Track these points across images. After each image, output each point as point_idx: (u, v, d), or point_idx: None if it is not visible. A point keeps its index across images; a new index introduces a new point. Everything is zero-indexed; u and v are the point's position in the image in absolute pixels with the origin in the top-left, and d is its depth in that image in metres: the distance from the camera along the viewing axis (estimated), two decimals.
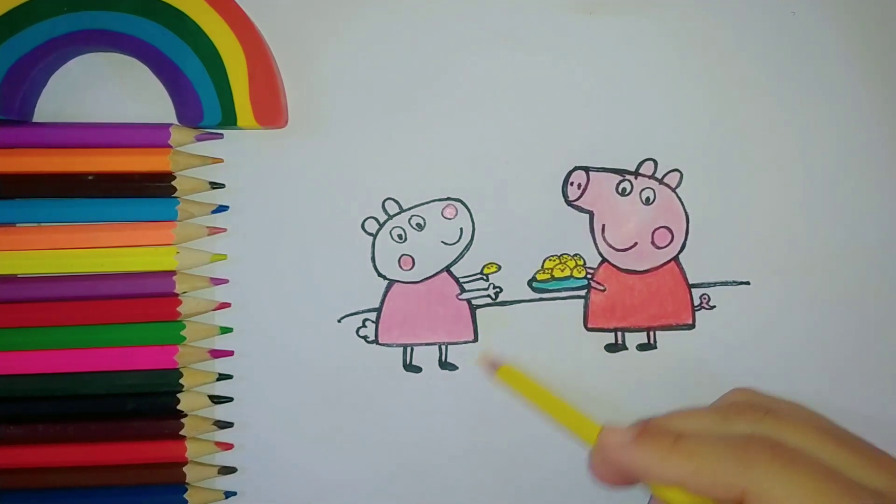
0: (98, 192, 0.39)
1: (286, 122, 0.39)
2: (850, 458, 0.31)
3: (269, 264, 0.40)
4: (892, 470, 0.32)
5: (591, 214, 0.40)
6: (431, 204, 0.40)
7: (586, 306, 0.40)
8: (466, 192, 0.40)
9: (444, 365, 0.40)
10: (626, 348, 0.40)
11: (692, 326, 0.40)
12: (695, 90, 0.40)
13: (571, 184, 0.40)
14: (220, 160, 0.40)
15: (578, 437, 0.35)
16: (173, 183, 0.38)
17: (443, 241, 0.40)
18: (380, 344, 0.40)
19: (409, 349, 0.40)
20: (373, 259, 0.40)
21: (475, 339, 0.40)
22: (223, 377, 0.40)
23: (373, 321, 0.40)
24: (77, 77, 0.40)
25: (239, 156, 0.40)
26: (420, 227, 0.40)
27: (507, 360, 0.38)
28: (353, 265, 0.40)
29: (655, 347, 0.40)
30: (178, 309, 0.38)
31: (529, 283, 0.40)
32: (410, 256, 0.40)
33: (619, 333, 0.40)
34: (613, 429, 0.34)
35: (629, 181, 0.40)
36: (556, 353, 0.40)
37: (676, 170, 0.40)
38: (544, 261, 0.40)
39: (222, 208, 0.40)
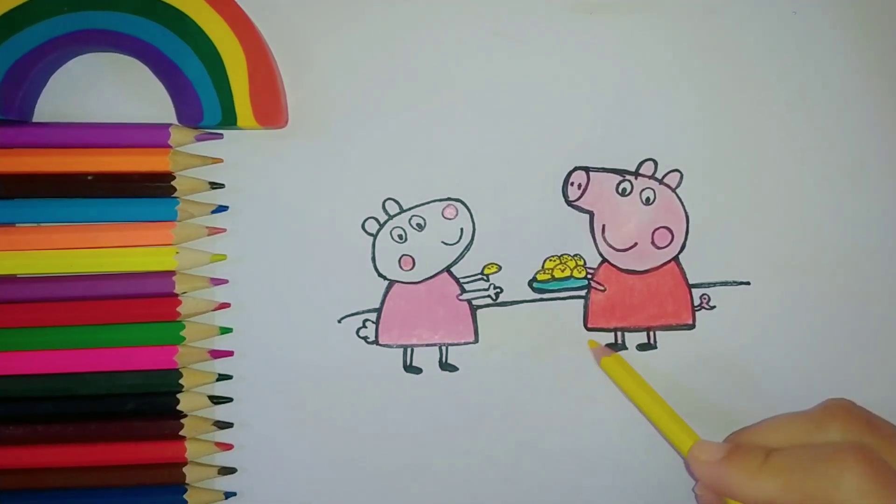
0: (98, 192, 0.39)
1: (286, 122, 0.39)
2: None
3: (269, 264, 0.40)
4: None
5: (592, 214, 0.40)
6: (432, 204, 0.40)
7: (586, 306, 0.40)
8: (467, 192, 0.40)
9: (445, 366, 0.40)
10: (626, 348, 0.40)
11: (692, 326, 0.40)
12: (695, 90, 0.40)
13: (572, 184, 0.40)
14: (220, 160, 0.40)
15: (673, 445, 0.35)
16: (173, 183, 0.38)
17: (443, 242, 0.40)
18: (380, 345, 0.40)
19: (409, 350, 0.40)
20: (373, 259, 0.40)
21: (475, 340, 0.40)
22: (223, 377, 0.40)
23: (373, 321, 0.40)
24: (77, 77, 0.40)
25: (239, 156, 0.40)
26: (420, 227, 0.40)
27: (615, 352, 0.39)
28: (354, 265, 0.40)
29: (655, 347, 0.40)
30: (177, 309, 0.38)
31: (530, 283, 0.40)
32: (411, 257, 0.40)
33: (620, 333, 0.40)
34: (705, 444, 0.34)
35: (629, 181, 0.40)
36: (557, 353, 0.40)
37: (676, 170, 0.40)
38: (545, 261, 0.40)
39: (222, 208, 0.40)
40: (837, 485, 0.30)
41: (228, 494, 0.40)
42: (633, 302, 0.40)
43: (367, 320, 0.40)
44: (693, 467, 0.34)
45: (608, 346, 0.40)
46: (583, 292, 0.40)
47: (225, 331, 0.40)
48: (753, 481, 0.31)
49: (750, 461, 0.32)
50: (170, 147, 0.39)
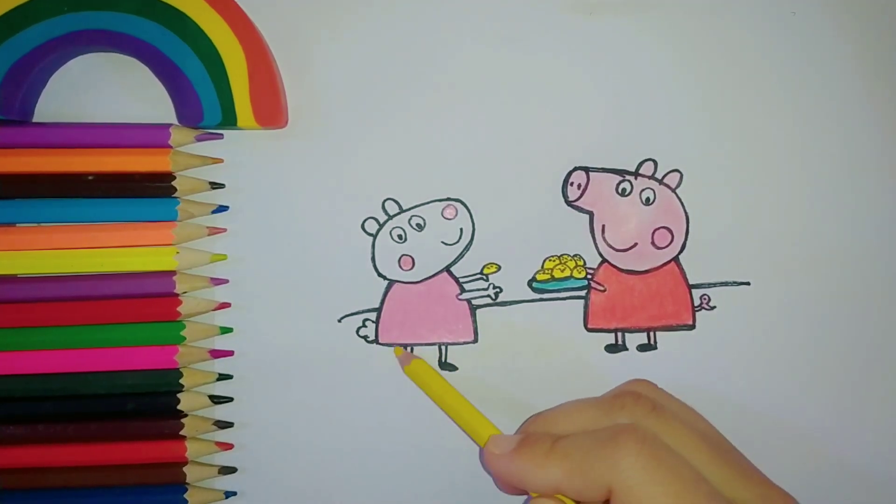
0: (98, 192, 0.39)
1: (286, 122, 0.39)
2: (722, 468, 0.31)
3: (269, 264, 0.40)
4: (760, 488, 0.31)
5: (591, 215, 0.40)
6: (431, 204, 0.40)
7: (586, 307, 0.40)
8: (466, 192, 0.40)
9: (444, 365, 0.40)
10: (627, 349, 0.40)
11: (692, 327, 0.40)
12: (695, 90, 0.40)
13: (571, 184, 0.40)
14: (220, 160, 0.40)
15: (474, 440, 0.36)
16: (173, 183, 0.38)
17: (443, 242, 0.40)
18: (380, 344, 0.40)
19: (408, 349, 0.40)
20: (373, 259, 0.40)
21: (475, 340, 0.40)
22: (223, 377, 0.40)
23: (373, 321, 0.40)
24: (77, 77, 0.40)
25: (239, 156, 0.40)
26: (420, 227, 0.40)
27: (418, 357, 0.39)
28: (353, 265, 0.40)
29: (655, 348, 0.40)
30: (178, 309, 0.38)
31: (529, 283, 0.40)
32: (410, 256, 0.40)
33: (620, 334, 0.40)
34: (497, 438, 0.34)
35: (629, 181, 0.40)
36: (557, 353, 0.40)
37: (676, 170, 0.40)
38: (544, 261, 0.40)
39: (222, 208, 0.40)
40: (614, 466, 0.30)
41: (228, 494, 0.40)
42: (633, 302, 0.40)
43: (367, 320, 0.40)
44: (487, 461, 0.34)
45: (607, 347, 0.40)
46: (583, 292, 0.40)
47: (225, 331, 0.40)
48: (541, 469, 0.32)
49: (537, 450, 0.32)
50: (170, 147, 0.39)
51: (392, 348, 0.40)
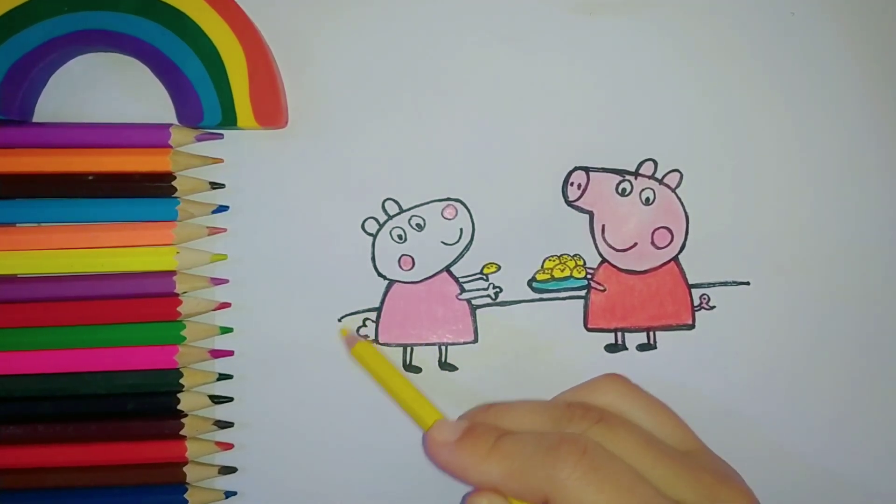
0: (98, 192, 0.39)
1: (286, 122, 0.40)
2: (668, 471, 0.31)
3: (269, 264, 0.40)
4: (709, 489, 0.31)
5: (591, 215, 0.40)
6: (431, 204, 0.40)
7: (586, 306, 0.40)
8: (466, 192, 0.40)
9: (444, 365, 0.40)
10: (626, 348, 0.40)
11: (692, 327, 0.40)
12: (694, 90, 0.40)
13: (571, 184, 0.40)
14: (220, 160, 0.40)
15: (419, 425, 0.35)
16: (173, 183, 0.38)
17: (443, 242, 0.40)
18: (380, 344, 0.40)
19: (408, 349, 0.40)
20: (373, 259, 0.40)
21: (475, 340, 0.40)
22: (223, 377, 0.40)
23: (373, 321, 0.40)
24: (77, 77, 0.40)
25: (239, 156, 0.40)
26: (420, 227, 0.40)
27: (365, 339, 0.38)
28: (353, 265, 0.40)
29: (655, 348, 0.40)
30: (178, 309, 0.38)
31: (529, 283, 0.40)
32: (410, 256, 0.40)
33: (619, 334, 0.40)
34: (443, 424, 0.33)
35: (629, 181, 0.40)
36: (557, 353, 0.40)
37: (676, 170, 0.40)
38: (544, 261, 0.40)
39: (222, 208, 0.40)
40: (552, 476, 0.30)
41: (229, 494, 0.40)
42: (632, 302, 0.40)
43: (367, 319, 0.40)
44: (427, 447, 0.33)
45: (607, 347, 0.40)
46: (582, 292, 0.40)
47: (225, 330, 0.40)
48: (481, 465, 0.31)
49: (481, 444, 0.32)
50: (170, 147, 0.39)
51: (394, 348, 0.40)
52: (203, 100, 0.38)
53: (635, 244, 0.40)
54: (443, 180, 0.40)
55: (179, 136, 0.39)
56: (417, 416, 0.35)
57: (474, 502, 0.32)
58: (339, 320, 0.40)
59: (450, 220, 0.40)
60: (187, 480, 0.39)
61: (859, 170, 0.40)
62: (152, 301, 0.39)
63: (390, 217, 0.40)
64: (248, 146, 0.40)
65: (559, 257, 0.40)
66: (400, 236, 0.40)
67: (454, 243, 0.40)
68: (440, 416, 0.34)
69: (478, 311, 0.40)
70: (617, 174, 0.40)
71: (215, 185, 0.39)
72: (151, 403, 0.39)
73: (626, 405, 0.34)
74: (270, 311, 0.40)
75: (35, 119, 0.39)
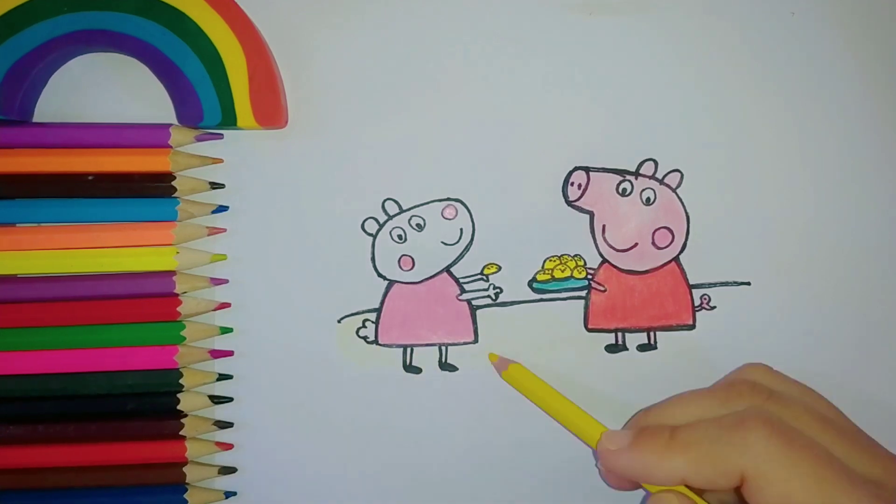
0: (98, 192, 0.39)
1: (286, 122, 0.39)
2: (850, 447, 0.31)
3: (269, 264, 0.40)
4: (888, 463, 0.31)
5: (592, 215, 0.40)
6: (431, 204, 0.40)
7: (587, 307, 0.40)
8: (466, 192, 0.40)
9: (444, 366, 0.40)
10: (627, 349, 0.40)
11: (692, 327, 0.40)
12: (695, 90, 0.40)
13: (572, 184, 0.40)
14: (220, 160, 0.40)
15: (583, 440, 0.35)
16: (173, 183, 0.38)
17: (443, 242, 0.40)
18: (380, 344, 0.40)
19: (409, 350, 0.40)
20: (373, 259, 0.40)
21: (475, 340, 0.40)
22: (223, 377, 0.40)
23: (373, 321, 0.40)
24: (77, 77, 0.40)
25: (239, 156, 0.40)
26: (420, 227, 0.40)
27: (515, 360, 0.38)
28: (353, 265, 0.40)
29: (656, 348, 0.40)
30: (178, 309, 0.38)
31: (530, 283, 0.40)
32: (410, 257, 0.40)
33: (620, 334, 0.40)
34: (612, 434, 0.34)
35: (629, 181, 0.40)
36: (557, 353, 0.40)
37: (677, 170, 0.40)
38: (545, 261, 0.40)
39: (222, 208, 0.40)
40: (743, 450, 0.30)
41: (228, 494, 0.40)
42: (633, 302, 0.40)
43: (366, 320, 0.40)
44: (602, 458, 0.33)
45: (608, 347, 0.40)
46: (583, 293, 0.40)
47: (225, 331, 0.40)
48: (662, 461, 0.31)
49: (656, 441, 0.32)
50: (170, 147, 0.39)
51: (394, 349, 0.40)
52: (203, 100, 0.38)
53: (636, 244, 0.40)
54: (443, 180, 0.40)
55: (179, 136, 0.39)
56: (582, 431, 0.35)
57: (660, 501, 0.32)
58: (339, 321, 0.40)
59: (450, 220, 0.40)
60: (187, 480, 0.39)
61: (859, 170, 0.40)
62: (152, 301, 0.39)
63: (390, 217, 0.40)
64: (248, 146, 0.40)
65: (559, 257, 0.40)
66: (400, 236, 0.40)
67: (454, 243, 0.40)
68: (604, 428, 0.35)
69: (478, 312, 0.40)
70: (617, 174, 0.40)
71: (215, 185, 0.39)
72: (151, 403, 0.39)
73: (777, 386, 0.34)
74: (270, 311, 0.40)
75: (35, 119, 0.39)
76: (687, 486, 0.32)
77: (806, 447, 0.30)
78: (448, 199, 0.40)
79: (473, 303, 0.40)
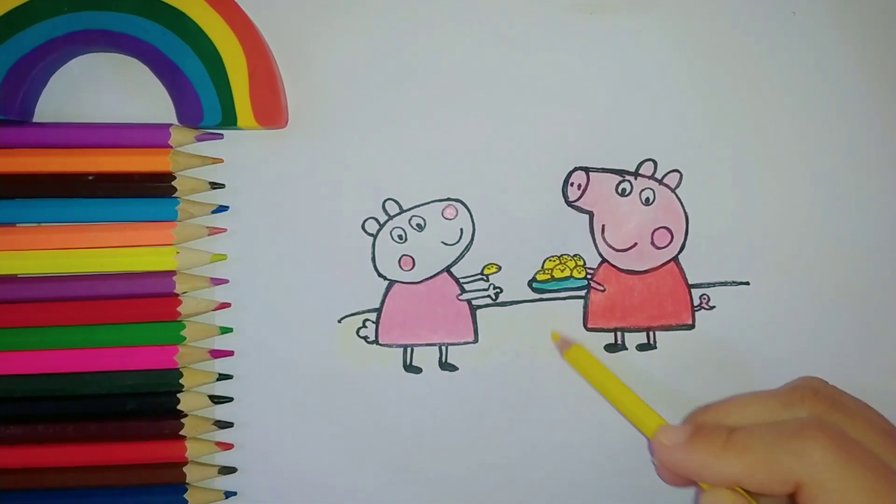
0: (98, 192, 0.39)
1: (286, 122, 0.39)
2: None
3: (269, 264, 0.40)
4: None
5: (591, 215, 0.40)
6: (432, 204, 0.40)
7: (586, 306, 0.40)
8: (466, 192, 0.40)
9: (445, 366, 0.40)
10: (626, 348, 0.40)
11: (692, 327, 0.40)
12: (695, 90, 0.40)
13: (571, 184, 0.40)
14: (220, 160, 0.40)
15: (640, 430, 0.35)
16: (173, 183, 0.38)
17: (443, 242, 0.40)
18: (380, 344, 0.40)
19: (409, 350, 0.40)
20: (373, 259, 0.40)
21: (475, 340, 0.40)
22: (223, 377, 0.40)
23: (373, 321, 0.40)
24: (77, 77, 0.40)
25: (239, 156, 0.40)
26: (420, 227, 0.40)
27: (577, 342, 0.38)
28: (354, 265, 0.40)
29: (655, 347, 0.40)
30: (178, 309, 0.38)
31: (529, 283, 0.40)
32: (411, 257, 0.40)
33: (619, 333, 0.40)
34: (668, 429, 0.33)
35: (629, 182, 0.40)
36: (557, 353, 0.40)
37: (676, 170, 0.40)
38: (544, 261, 0.40)
39: (222, 208, 0.40)
40: (802, 459, 0.30)
41: (228, 494, 0.40)
42: (632, 302, 0.40)
43: (367, 320, 0.40)
44: (657, 452, 0.34)
45: (607, 346, 0.40)
46: (582, 292, 0.40)
47: (225, 331, 0.40)
48: (718, 461, 0.31)
49: (713, 441, 0.32)
50: (170, 147, 0.39)
51: (394, 348, 0.40)
52: (203, 100, 0.38)
53: (635, 244, 0.40)
54: (443, 180, 0.40)
55: (179, 136, 0.39)
56: (639, 421, 0.35)
57: (713, 499, 0.32)
58: (339, 321, 0.40)
59: (450, 220, 0.40)
60: (187, 480, 0.39)
61: (859, 170, 0.40)
62: (152, 301, 0.39)
63: (390, 217, 0.40)
64: (248, 146, 0.40)
65: (559, 257, 0.40)
66: (400, 236, 0.40)
67: (454, 243, 0.40)
68: (662, 421, 0.34)
69: (478, 312, 0.40)
70: (617, 174, 0.40)
71: (215, 185, 0.39)
72: (151, 403, 0.39)
73: (838, 397, 0.34)
74: (270, 311, 0.40)
75: (35, 119, 0.39)
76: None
77: (865, 459, 0.30)
78: (448, 199, 0.40)
79: (473, 303, 0.40)
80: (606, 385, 0.36)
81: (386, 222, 0.40)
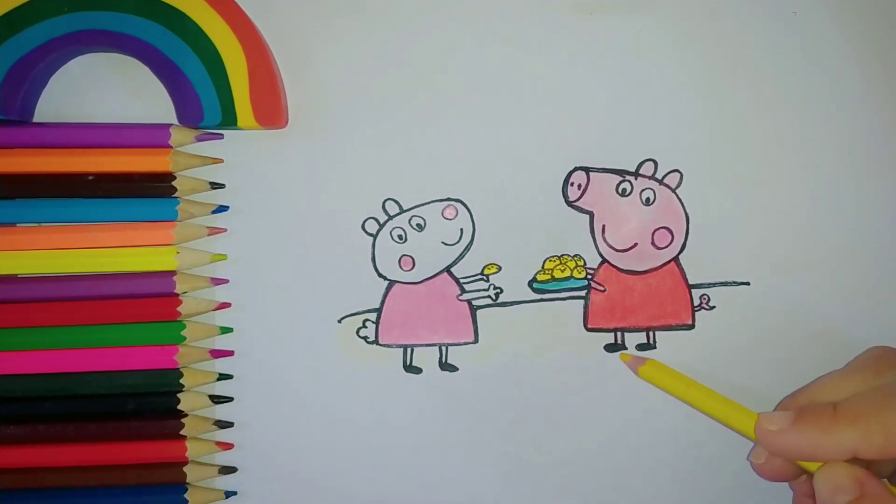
0: (98, 192, 0.39)
1: (286, 122, 0.39)
2: None
3: (269, 264, 0.40)
4: None
5: (592, 215, 0.40)
6: (432, 204, 0.40)
7: (586, 307, 0.40)
8: (467, 192, 0.40)
9: (445, 366, 0.40)
10: (626, 348, 0.40)
11: (692, 327, 0.40)
12: (695, 90, 0.40)
13: (572, 184, 0.40)
14: (220, 160, 0.40)
15: (735, 429, 0.35)
16: (173, 183, 0.38)
17: (443, 242, 0.40)
18: (380, 345, 0.40)
19: (409, 350, 0.40)
20: (373, 259, 0.40)
21: (475, 340, 0.40)
22: (223, 377, 0.40)
23: (373, 322, 0.40)
24: (77, 77, 0.40)
25: (239, 156, 0.40)
26: (420, 227, 0.40)
27: (647, 358, 0.39)
28: (354, 265, 0.40)
29: (655, 347, 0.40)
30: (178, 309, 0.38)
31: (530, 283, 0.40)
32: (411, 257, 0.40)
33: (619, 334, 0.40)
34: (770, 415, 0.33)
35: (629, 182, 0.40)
36: (557, 353, 0.40)
37: (676, 170, 0.40)
38: (545, 261, 0.40)
39: (222, 208, 0.40)
40: None
41: (229, 494, 0.40)
42: (632, 302, 0.40)
43: (367, 320, 0.40)
44: (764, 441, 0.33)
45: (607, 346, 0.40)
46: (583, 293, 0.40)
47: (225, 330, 0.40)
48: (830, 436, 0.31)
49: (821, 417, 0.32)
50: (170, 147, 0.39)
51: (394, 349, 0.40)
52: (203, 100, 0.38)
53: (635, 244, 0.40)
54: (443, 180, 0.40)
55: (179, 136, 0.39)
56: (733, 419, 0.35)
57: (831, 474, 0.31)
58: (339, 321, 0.40)
59: (450, 220, 0.40)
60: (187, 480, 0.39)
61: (859, 170, 0.40)
62: (152, 301, 0.39)
63: (391, 217, 0.40)
64: (248, 146, 0.40)
65: (559, 257, 0.40)
66: (400, 236, 0.40)
67: (454, 244, 0.40)
68: (755, 414, 0.34)
69: (478, 312, 0.40)
70: (617, 174, 0.40)
71: (215, 185, 0.39)
72: (151, 403, 0.39)
73: None
74: (270, 311, 0.40)
75: (35, 119, 0.39)
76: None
77: None
78: (448, 199, 0.40)
79: (474, 303, 0.40)
80: (690, 393, 0.36)
81: (386, 222, 0.40)
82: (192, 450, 0.39)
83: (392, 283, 0.40)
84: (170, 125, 0.39)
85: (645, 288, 0.40)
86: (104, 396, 0.39)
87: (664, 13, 0.40)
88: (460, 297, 0.40)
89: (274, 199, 0.40)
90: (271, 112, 0.38)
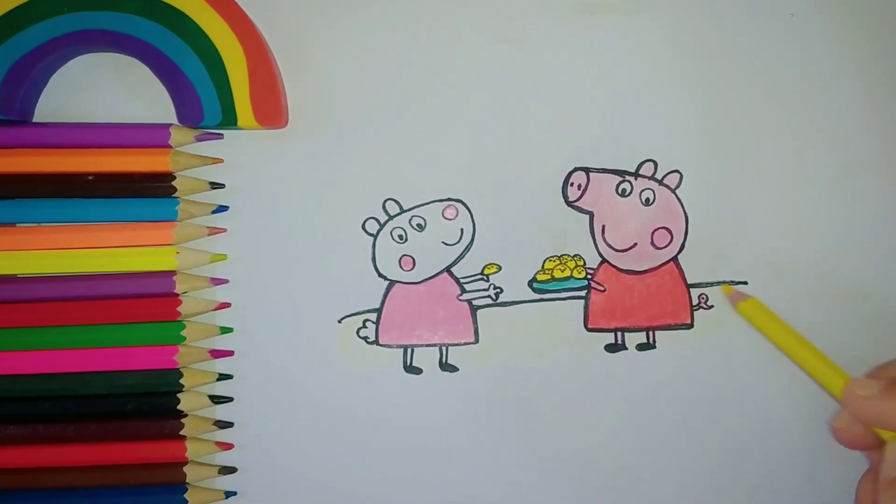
0: (98, 192, 0.39)
1: (286, 122, 0.39)
2: None
3: (269, 264, 0.40)
4: None
5: (592, 215, 0.40)
6: (432, 204, 0.40)
7: (586, 307, 0.40)
8: (467, 192, 0.40)
9: (445, 366, 0.40)
10: (626, 348, 0.40)
11: (691, 326, 0.40)
12: (695, 91, 0.40)
13: (571, 184, 0.40)
14: (220, 160, 0.40)
15: (823, 385, 0.36)
16: (173, 183, 0.38)
17: (443, 242, 0.40)
18: (380, 345, 0.40)
19: (409, 350, 0.40)
20: (373, 259, 0.40)
21: (475, 340, 0.40)
22: (223, 377, 0.40)
23: (373, 322, 0.40)
24: (77, 77, 0.40)
25: (239, 156, 0.40)
26: (421, 227, 0.40)
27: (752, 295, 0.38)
28: (354, 265, 0.40)
29: (655, 347, 0.40)
30: (178, 309, 0.38)
31: (530, 283, 0.40)
32: (411, 257, 0.40)
33: (619, 333, 0.40)
34: (862, 381, 0.34)
35: (629, 182, 0.40)
36: (557, 353, 0.40)
37: (676, 171, 0.40)
38: (545, 261, 0.40)
39: (222, 208, 0.40)
40: None
41: (228, 494, 0.40)
42: (632, 302, 0.40)
43: (367, 320, 0.40)
44: (850, 403, 0.34)
45: (607, 346, 0.40)
46: (583, 293, 0.40)
47: (225, 331, 0.40)
48: None
49: None
50: (170, 147, 0.39)
51: (394, 349, 0.40)
52: (203, 100, 0.38)
53: (635, 244, 0.40)
54: (443, 180, 0.40)
55: (179, 136, 0.39)
56: (825, 376, 0.35)
57: None
58: (340, 321, 0.40)
59: (450, 220, 0.40)
60: (187, 480, 0.39)
61: (858, 170, 0.40)
62: (152, 301, 0.39)
63: (391, 217, 0.40)
64: (248, 146, 0.40)
65: (559, 257, 0.40)
66: (401, 236, 0.40)
67: (455, 244, 0.40)
68: (847, 376, 0.35)
69: (478, 312, 0.40)
70: (617, 175, 0.40)
71: (215, 185, 0.39)
72: (151, 403, 0.39)
73: None
74: (270, 311, 0.40)
75: (35, 119, 0.39)
76: None
77: None
78: (448, 199, 0.40)
79: (474, 303, 0.40)
80: (786, 340, 0.36)
81: (386, 222, 0.40)
82: (191, 450, 0.39)
83: (392, 283, 0.40)
84: (170, 125, 0.39)
85: (644, 288, 0.40)
86: (104, 396, 0.39)
87: (665, 14, 0.40)
88: (460, 297, 0.40)
89: (274, 199, 0.40)
90: (271, 112, 0.38)
